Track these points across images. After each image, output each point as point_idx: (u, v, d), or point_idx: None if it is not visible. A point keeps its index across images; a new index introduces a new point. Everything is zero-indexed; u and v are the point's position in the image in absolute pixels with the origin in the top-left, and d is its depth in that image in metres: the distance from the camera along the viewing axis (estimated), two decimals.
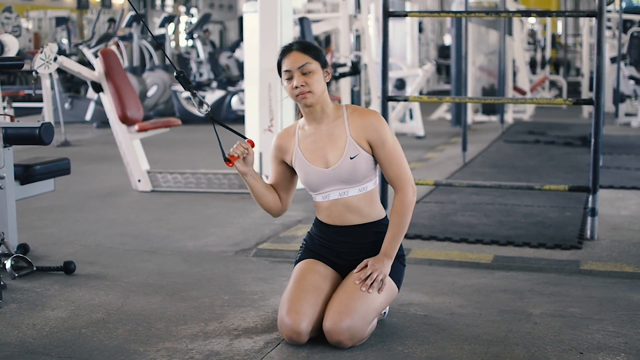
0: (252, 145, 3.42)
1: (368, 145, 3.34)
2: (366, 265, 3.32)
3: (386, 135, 3.33)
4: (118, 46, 14.34)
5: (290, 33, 6.69)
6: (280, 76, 3.39)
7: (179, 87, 13.12)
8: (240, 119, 11.63)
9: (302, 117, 3.46)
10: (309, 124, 3.42)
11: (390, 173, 3.36)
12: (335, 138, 3.36)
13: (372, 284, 3.25)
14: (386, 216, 3.48)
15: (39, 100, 10.43)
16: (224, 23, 27.34)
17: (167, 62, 15.38)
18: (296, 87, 3.30)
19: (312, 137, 3.40)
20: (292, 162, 3.44)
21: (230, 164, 3.38)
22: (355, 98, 9.78)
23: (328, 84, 3.42)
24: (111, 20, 15.83)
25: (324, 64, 3.36)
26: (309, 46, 3.36)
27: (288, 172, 3.51)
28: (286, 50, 3.35)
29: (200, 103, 3.51)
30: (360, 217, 3.39)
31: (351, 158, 3.32)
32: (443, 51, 23.31)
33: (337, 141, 3.35)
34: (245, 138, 3.49)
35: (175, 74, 3.54)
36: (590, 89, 14.64)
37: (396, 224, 3.35)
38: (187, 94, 13.14)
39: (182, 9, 27.66)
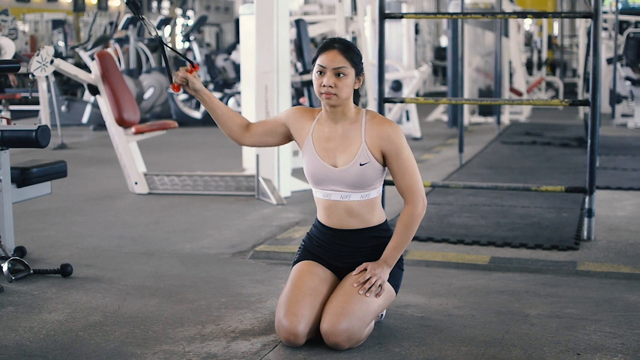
0: (197, 68, 3.44)
1: (381, 155, 3.33)
2: (365, 269, 3.32)
3: (402, 147, 3.32)
4: (114, 49, 14.33)
5: (286, 35, 6.69)
6: (313, 64, 3.34)
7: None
8: None
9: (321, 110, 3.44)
10: (326, 121, 3.40)
11: (402, 184, 3.35)
12: (349, 141, 3.34)
13: (370, 288, 3.25)
14: (386, 221, 3.47)
15: (35, 103, 10.42)
16: (220, 25, 27.34)
17: (164, 61, 15.38)
18: (324, 86, 3.28)
19: (326, 134, 3.38)
20: (303, 145, 3.41)
21: (177, 90, 3.43)
22: None
23: (357, 90, 3.39)
24: (110, 24, 15.84)
25: (359, 72, 3.33)
26: (351, 49, 3.30)
27: (278, 133, 3.49)
28: (327, 46, 3.30)
29: (153, 28, 3.58)
30: (360, 222, 3.39)
31: (361, 164, 3.31)
32: (439, 53, 23.34)
33: (351, 145, 3.34)
34: (190, 62, 3.50)
35: (125, 0, 3.65)
36: (587, 90, 14.66)
37: (401, 235, 3.34)
38: (184, 96, 13.15)
39: (179, 11, 27.64)
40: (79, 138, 11.46)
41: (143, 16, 3.63)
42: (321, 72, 3.29)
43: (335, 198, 3.37)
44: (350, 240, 3.41)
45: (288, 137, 3.52)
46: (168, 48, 3.65)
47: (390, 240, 3.37)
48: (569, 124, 12.66)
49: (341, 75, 3.26)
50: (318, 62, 3.30)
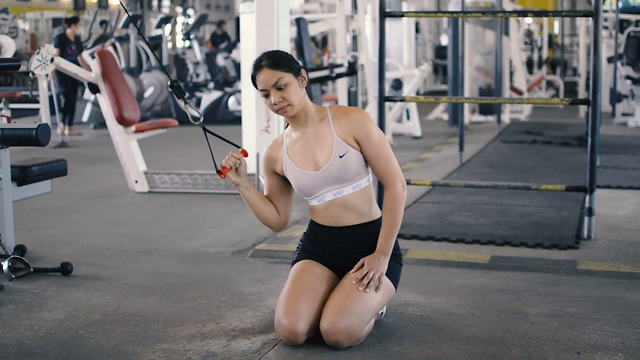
0: (245, 154, 3.39)
1: (355, 143, 3.33)
2: (363, 265, 3.32)
3: (371, 130, 3.33)
4: (115, 47, 14.33)
5: (287, 34, 6.69)
6: (257, 89, 3.35)
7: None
8: (237, 119, 11.63)
9: (288, 125, 3.46)
10: (295, 130, 3.42)
11: (378, 169, 3.36)
12: (323, 139, 3.36)
13: (369, 283, 3.25)
14: (381, 217, 3.48)
15: (35, 101, 10.43)
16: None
17: (164, 63, 15.38)
18: (275, 104, 3.29)
19: (299, 142, 3.40)
20: (283, 170, 3.43)
21: (223, 176, 3.35)
22: (352, 99, 9.78)
23: (307, 87, 3.39)
24: (103, 23, 15.83)
25: (297, 72, 3.32)
26: (279, 59, 3.30)
27: (282, 182, 3.50)
28: (256, 67, 3.30)
29: (193, 116, 3.49)
30: (356, 216, 3.39)
31: (340, 157, 3.32)
32: (440, 51, 23.33)
33: (325, 142, 3.35)
34: (238, 147, 3.47)
35: (169, 83, 3.52)
36: (587, 89, 14.66)
37: (389, 221, 3.35)
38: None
39: (179, 9, 27.64)
40: (79, 137, 11.46)
41: (188, 101, 3.55)
42: (266, 95, 3.30)
43: (329, 198, 3.38)
44: (347, 237, 3.41)
45: (283, 178, 3.50)
46: (212, 134, 3.49)
47: (381, 230, 3.37)
48: (569, 122, 12.66)
49: (282, 87, 3.27)
50: (258, 86, 3.31)
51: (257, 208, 3.46)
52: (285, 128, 3.49)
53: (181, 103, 3.54)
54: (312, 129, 3.38)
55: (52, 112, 10.56)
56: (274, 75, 3.26)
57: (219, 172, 3.35)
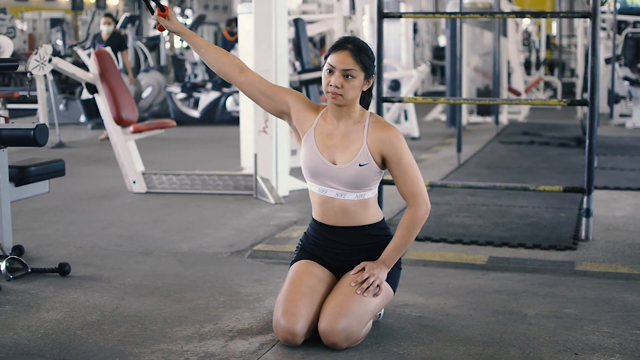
0: (167, 10, 3.40)
1: (380, 159, 3.32)
2: (363, 269, 3.32)
3: (403, 152, 3.31)
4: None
5: (285, 34, 6.69)
6: (325, 60, 3.31)
7: (173, 89, 13.11)
8: (235, 120, 11.64)
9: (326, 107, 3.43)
10: (330, 117, 3.39)
11: (404, 188, 3.35)
12: (350, 141, 3.34)
13: (368, 288, 3.25)
14: (383, 219, 3.48)
15: (33, 101, 10.42)
16: (218, 24, 27.31)
17: (162, 63, 15.37)
18: (331, 85, 3.27)
19: (328, 130, 3.37)
20: (303, 135, 3.39)
21: (161, 29, 3.46)
22: None
23: (365, 92, 3.36)
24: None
25: (369, 75, 3.32)
26: (363, 52, 3.28)
27: (274, 102, 3.43)
28: (340, 46, 3.28)
29: None
30: (354, 221, 3.39)
31: (360, 165, 3.30)
32: (438, 52, 23.33)
33: (352, 145, 3.33)
34: (160, 6, 3.44)
35: None
36: (585, 90, 14.67)
37: (402, 237, 3.34)
38: (182, 95, 13.13)
39: (177, 10, 27.64)
40: (77, 137, 11.45)
41: None
42: (330, 71, 3.28)
43: (330, 195, 3.37)
44: (346, 238, 3.41)
45: (283, 114, 3.46)
46: None
47: (390, 240, 3.37)
48: (567, 123, 12.67)
49: (349, 77, 3.26)
50: (328, 60, 3.29)
51: (206, 51, 3.46)
52: (324, 108, 3.44)
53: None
54: (344, 126, 3.36)
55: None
56: (351, 63, 3.25)
57: (157, 25, 3.45)
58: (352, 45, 3.27)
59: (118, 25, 14.71)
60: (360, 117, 3.37)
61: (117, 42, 11.75)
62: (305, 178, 3.45)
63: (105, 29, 11.79)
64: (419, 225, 3.36)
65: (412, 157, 3.36)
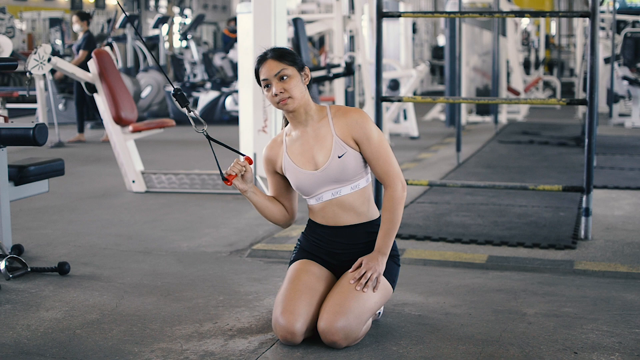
0: (250, 162, 3.39)
1: (355, 143, 3.35)
2: (360, 265, 3.33)
3: (371, 131, 3.34)
4: (112, 47, 14.31)
5: (284, 34, 6.69)
6: (260, 85, 3.37)
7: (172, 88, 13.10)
8: (234, 120, 11.64)
9: (287, 124, 3.47)
10: (295, 129, 3.42)
11: (378, 170, 3.37)
12: (322, 139, 3.36)
13: (366, 282, 3.26)
14: (380, 217, 3.48)
15: (32, 101, 10.42)
16: (217, 24, 27.31)
17: (162, 63, 15.36)
18: (276, 95, 3.29)
19: (299, 141, 3.40)
20: (282, 169, 3.44)
21: (229, 183, 3.34)
22: (349, 99, 9.78)
23: (309, 86, 3.41)
24: (109, 21, 15.79)
25: (301, 68, 3.36)
26: (284, 52, 3.35)
27: (284, 180, 3.51)
28: (261, 60, 3.35)
29: (197, 121, 3.50)
30: (354, 216, 3.40)
31: (339, 157, 3.32)
32: (437, 52, 23.35)
33: (324, 142, 3.36)
34: (242, 155, 3.48)
35: (172, 92, 3.52)
36: (584, 90, 14.68)
37: (388, 220, 3.36)
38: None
39: (176, 9, 27.63)
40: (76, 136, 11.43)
41: (192, 109, 3.54)
42: (267, 86, 3.32)
43: (327, 198, 3.39)
44: (345, 236, 3.41)
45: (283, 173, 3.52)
46: (216, 142, 3.46)
47: (379, 230, 3.38)
48: (566, 123, 12.67)
49: (285, 77, 3.29)
50: (260, 77, 3.34)
51: (265, 210, 3.48)
52: (284, 127, 3.50)
53: (185, 111, 3.53)
54: (312, 128, 3.39)
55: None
56: (277, 66, 3.29)
57: (224, 180, 3.34)
58: (270, 52, 3.35)
59: (117, 25, 14.71)
60: (322, 114, 3.40)
61: (85, 43, 10.81)
62: (301, 196, 3.48)
63: (76, 28, 10.95)
64: (400, 204, 3.37)
65: (382, 137, 3.38)
